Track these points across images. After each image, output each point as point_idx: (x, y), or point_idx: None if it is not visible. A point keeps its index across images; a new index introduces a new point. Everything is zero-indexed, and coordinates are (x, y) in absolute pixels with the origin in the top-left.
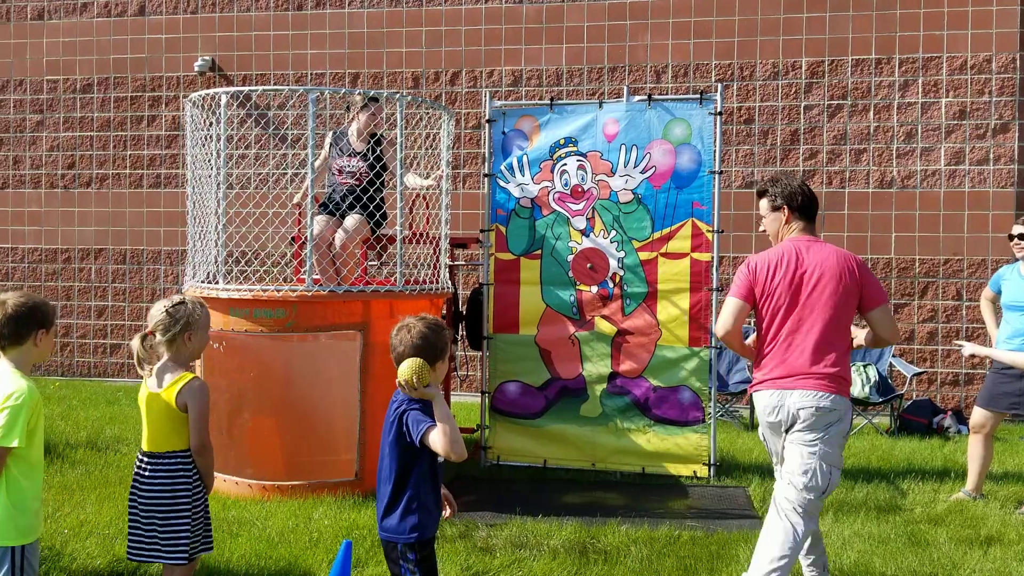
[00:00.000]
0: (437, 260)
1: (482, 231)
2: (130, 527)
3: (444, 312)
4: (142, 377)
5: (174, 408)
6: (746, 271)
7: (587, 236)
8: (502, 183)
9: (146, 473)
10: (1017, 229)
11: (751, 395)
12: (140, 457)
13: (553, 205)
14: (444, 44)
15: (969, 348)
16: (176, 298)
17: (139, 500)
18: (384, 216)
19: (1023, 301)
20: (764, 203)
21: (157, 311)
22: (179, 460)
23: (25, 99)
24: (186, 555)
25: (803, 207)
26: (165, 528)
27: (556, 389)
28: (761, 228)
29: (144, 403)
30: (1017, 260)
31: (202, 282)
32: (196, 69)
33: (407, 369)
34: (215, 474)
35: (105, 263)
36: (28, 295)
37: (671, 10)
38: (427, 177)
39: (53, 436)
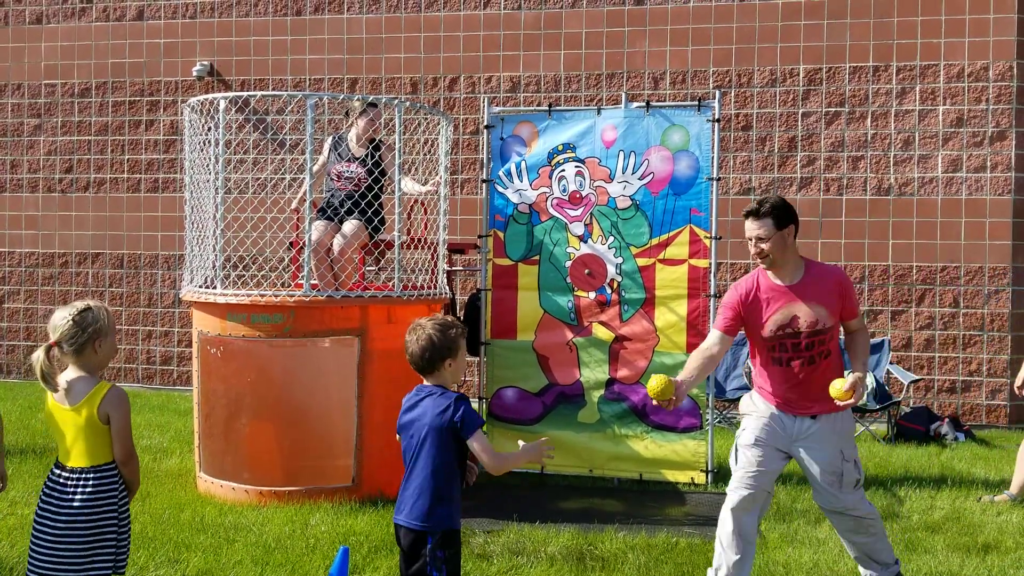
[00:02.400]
0: (435, 265)
1: (480, 237)
2: (35, 549)
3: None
4: (54, 391)
5: (96, 421)
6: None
7: (585, 242)
8: (500, 189)
9: (71, 488)
10: None
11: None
12: (59, 472)
13: (551, 211)
14: (443, 50)
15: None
16: (80, 304)
17: (58, 517)
18: (382, 221)
19: None
20: (768, 222)
21: (60, 320)
22: (106, 473)
23: (23, 103)
24: (110, 569)
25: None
26: (89, 546)
27: (554, 395)
28: (758, 250)
29: (57, 419)
30: None
31: (200, 287)
32: (194, 74)
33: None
34: (217, 480)
35: (102, 267)
36: None
37: (669, 17)
38: (425, 183)
39: (48, 441)
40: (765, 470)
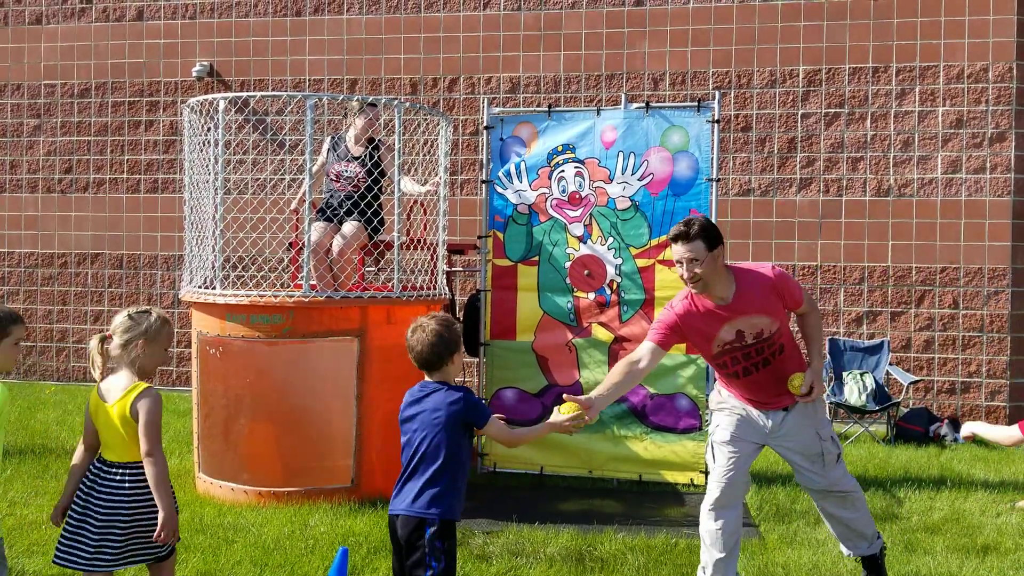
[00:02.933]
0: (434, 266)
1: (479, 237)
2: (69, 532)
3: None
4: (98, 379)
5: (128, 418)
6: None
7: (584, 243)
8: (500, 189)
9: (101, 480)
10: None
11: None
12: (99, 465)
13: (551, 212)
14: (442, 51)
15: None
16: (143, 307)
17: (92, 507)
18: (382, 222)
19: None
20: (699, 245)
21: (120, 316)
22: (134, 469)
23: (22, 103)
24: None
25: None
26: (100, 535)
27: (553, 396)
28: (691, 274)
29: (98, 414)
30: None
31: (199, 288)
32: (194, 74)
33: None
34: (216, 481)
35: (102, 268)
36: None
37: (669, 18)
38: (424, 183)
39: (48, 441)
40: (743, 465)
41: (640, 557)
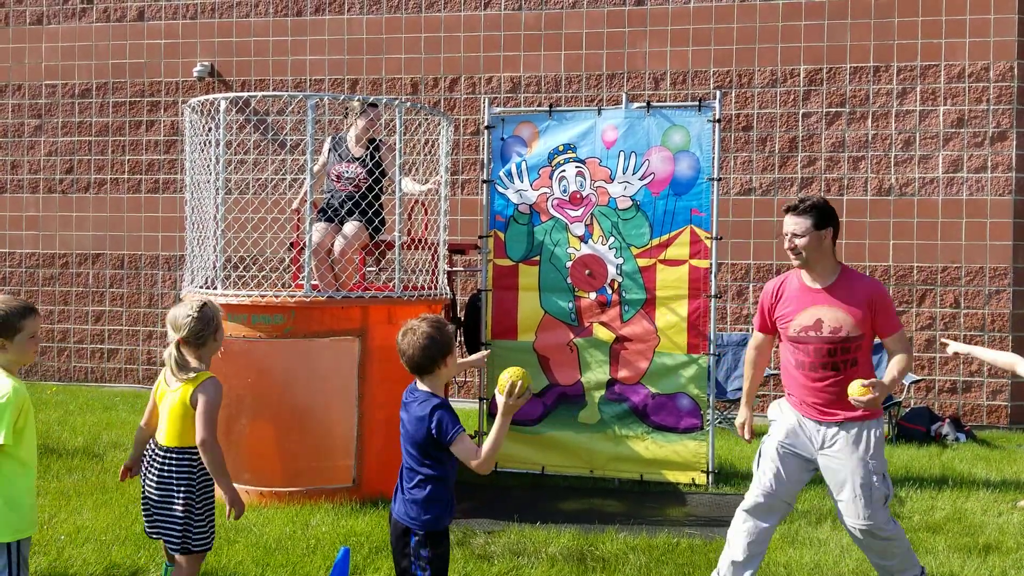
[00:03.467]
0: (435, 266)
1: (480, 237)
2: (144, 512)
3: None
4: (167, 379)
5: (188, 405)
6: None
7: (586, 242)
8: (501, 189)
9: (155, 464)
10: None
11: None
12: (153, 449)
13: (552, 211)
14: (443, 50)
15: (953, 347)
16: (196, 302)
17: (152, 490)
18: (383, 222)
19: None
20: (806, 220)
21: (184, 318)
22: (185, 456)
23: (23, 103)
24: (198, 546)
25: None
26: (177, 519)
27: (554, 396)
28: (791, 244)
29: (160, 399)
30: None
31: (200, 288)
32: (195, 74)
33: (514, 376)
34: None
35: (103, 268)
36: (6, 301)
37: (670, 17)
38: (425, 183)
39: (50, 441)
40: (785, 481)
41: (642, 557)
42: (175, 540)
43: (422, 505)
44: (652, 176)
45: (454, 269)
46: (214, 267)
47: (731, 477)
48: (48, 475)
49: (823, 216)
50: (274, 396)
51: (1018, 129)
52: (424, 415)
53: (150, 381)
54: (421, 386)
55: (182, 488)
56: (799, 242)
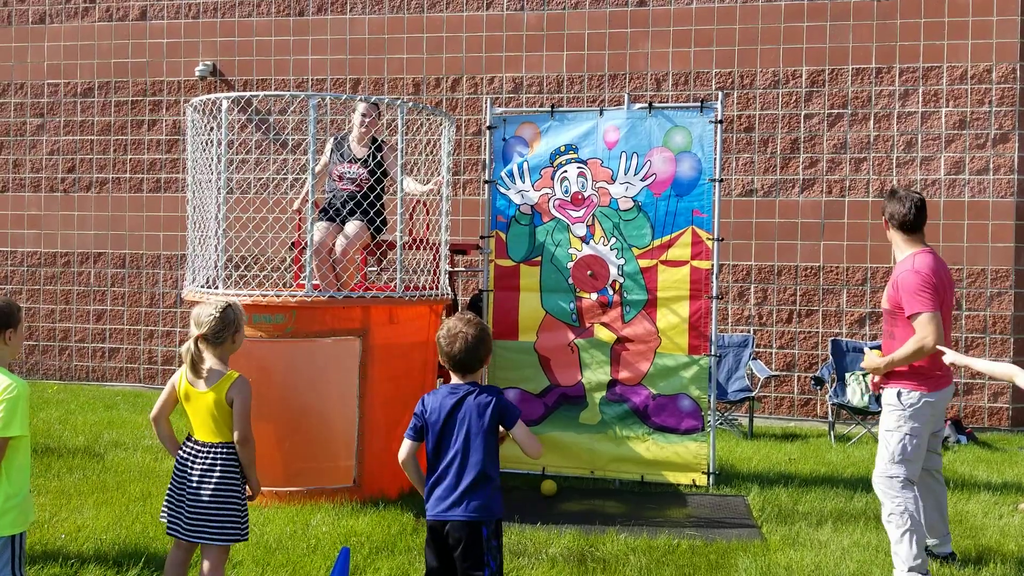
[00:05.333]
0: (437, 266)
1: (482, 237)
2: (169, 507)
3: (443, 318)
4: (199, 377)
5: (224, 404)
6: (932, 280)
7: (587, 243)
8: (502, 190)
9: (198, 459)
10: None
11: (930, 392)
12: (190, 445)
13: (553, 212)
14: (445, 50)
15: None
16: (221, 302)
17: (187, 484)
18: (384, 222)
19: None
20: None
21: (207, 316)
22: (226, 450)
23: (25, 103)
24: (237, 535)
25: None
26: (217, 511)
27: (555, 396)
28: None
29: (190, 400)
30: None
31: (202, 287)
32: (197, 74)
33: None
34: None
35: (104, 267)
36: None
37: (672, 18)
38: (427, 183)
39: (50, 440)
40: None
41: (642, 558)
42: (228, 530)
43: (491, 495)
44: (654, 177)
45: (455, 269)
46: (215, 266)
47: (731, 478)
48: (49, 474)
49: (886, 207)
50: (275, 396)
51: (1020, 131)
52: (490, 401)
53: (151, 380)
54: (460, 380)
55: (228, 477)
56: (886, 228)
